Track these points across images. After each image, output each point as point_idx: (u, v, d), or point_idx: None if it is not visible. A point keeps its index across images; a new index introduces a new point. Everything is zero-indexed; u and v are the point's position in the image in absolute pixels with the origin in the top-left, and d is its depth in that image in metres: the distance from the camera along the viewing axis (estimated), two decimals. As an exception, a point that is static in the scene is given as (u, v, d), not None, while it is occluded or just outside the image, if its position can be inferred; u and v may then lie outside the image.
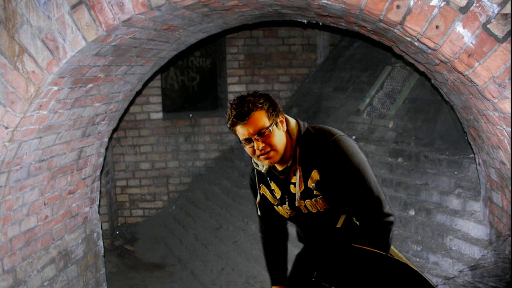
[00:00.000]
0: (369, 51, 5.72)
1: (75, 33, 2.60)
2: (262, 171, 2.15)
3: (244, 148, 2.02)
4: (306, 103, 6.27)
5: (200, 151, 6.88)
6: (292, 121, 2.10)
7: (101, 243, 4.23)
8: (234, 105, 2.00)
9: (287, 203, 2.13)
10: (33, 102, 2.71)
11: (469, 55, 2.16)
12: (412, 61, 2.94)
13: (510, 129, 2.29)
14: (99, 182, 4.19)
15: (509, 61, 2.10)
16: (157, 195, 6.82)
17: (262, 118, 1.97)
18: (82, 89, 3.10)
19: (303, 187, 2.04)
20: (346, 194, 1.99)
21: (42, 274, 3.38)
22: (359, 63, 5.90)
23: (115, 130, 4.50)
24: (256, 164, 2.17)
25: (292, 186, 2.08)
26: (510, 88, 2.14)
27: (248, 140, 1.98)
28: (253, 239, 4.88)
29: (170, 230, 6.30)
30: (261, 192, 2.22)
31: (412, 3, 2.18)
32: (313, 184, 2.01)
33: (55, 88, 2.79)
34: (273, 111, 2.01)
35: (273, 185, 2.16)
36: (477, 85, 2.24)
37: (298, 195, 2.06)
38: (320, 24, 3.31)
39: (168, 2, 2.51)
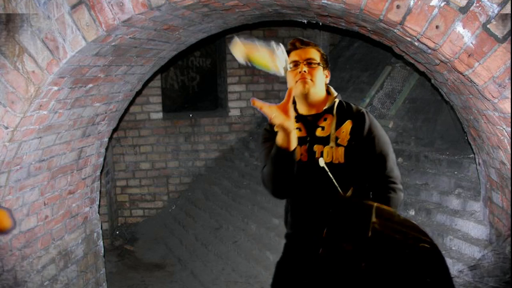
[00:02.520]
0: (369, 51, 5.72)
1: (75, 33, 2.60)
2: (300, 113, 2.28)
3: (288, 74, 2.22)
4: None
5: (200, 151, 6.88)
6: (330, 87, 2.34)
7: (101, 243, 4.23)
8: (297, 37, 2.33)
9: (307, 144, 2.19)
10: (33, 102, 2.71)
11: (469, 55, 2.16)
12: (412, 61, 2.94)
13: (510, 129, 2.29)
14: (99, 182, 4.19)
15: (509, 61, 2.10)
16: (157, 195, 6.82)
17: (316, 54, 2.25)
18: (82, 89, 3.10)
19: (329, 132, 2.19)
20: (370, 152, 2.18)
21: (42, 274, 3.38)
22: (359, 63, 5.90)
23: (115, 130, 4.50)
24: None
25: (319, 129, 2.21)
26: (510, 88, 2.14)
27: (296, 64, 2.21)
28: (253, 239, 4.88)
29: (170, 230, 6.30)
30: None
31: (412, 3, 2.18)
32: (342, 132, 2.17)
33: (55, 88, 2.79)
34: (325, 60, 2.28)
35: (298, 125, 2.22)
36: (477, 85, 2.24)
37: (320, 136, 2.19)
38: (320, 24, 3.31)
39: (168, 2, 2.51)
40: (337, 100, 2.25)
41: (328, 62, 2.31)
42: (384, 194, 2.14)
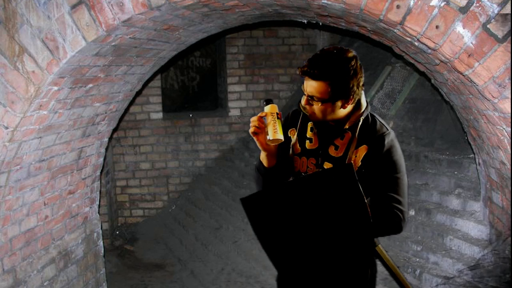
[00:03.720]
0: (369, 51, 5.72)
1: (75, 33, 2.60)
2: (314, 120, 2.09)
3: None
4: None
5: (200, 151, 6.87)
6: (362, 94, 2.04)
7: (101, 243, 4.23)
8: (314, 57, 1.93)
9: (318, 158, 2.07)
10: (33, 102, 2.71)
11: (469, 55, 2.16)
12: (412, 61, 2.94)
13: (510, 129, 2.29)
14: (99, 182, 4.19)
15: (509, 61, 2.10)
16: (157, 195, 6.82)
17: (321, 89, 1.91)
18: (82, 89, 3.10)
19: (342, 153, 2.02)
20: (378, 179, 1.98)
21: (42, 274, 3.38)
22: (359, 63, 5.89)
23: (115, 130, 4.50)
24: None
25: (332, 147, 2.04)
26: (510, 88, 2.14)
27: (303, 91, 1.99)
28: (253, 239, 4.87)
29: (170, 230, 6.30)
30: (289, 135, 2.16)
31: (412, 3, 2.18)
32: (356, 156, 1.99)
33: (55, 88, 2.79)
34: (342, 88, 1.92)
35: (311, 134, 2.11)
36: (477, 85, 2.24)
37: (333, 155, 2.03)
38: (320, 24, 3.31)
39: (168, 2, 2.51)
40: (362, 119, 2.02)
41: (349, 81, 1.91)
42: (383, 212, 1.96)
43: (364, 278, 2.08)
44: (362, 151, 1.99)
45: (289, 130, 2.17)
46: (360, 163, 1.98)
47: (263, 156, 2.06)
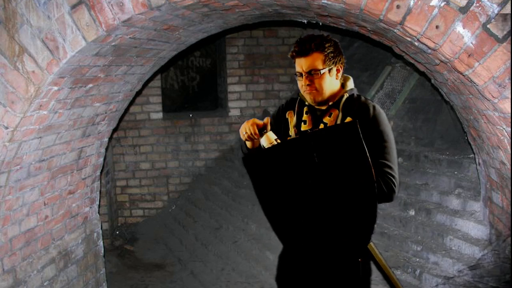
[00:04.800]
0: (369, 51, 5.72)
1: (75, 33, 2.60)
2: (306, 103, 2.28)
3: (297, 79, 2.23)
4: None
5: (200, 151, 6.87)
6: (350, 78, 2.29)
7: (101, 243, 4.23)
8: (301, 39, 2.18)
9: None
10: (33, 102, 2.71)
11: (469, 55, 2.16)
12: (412, 61, 2.94)
13: (510, 129, 2.29)
14: (99, 182, 4.19)
15: (509, 61, 2.10)
16: (157, 195, 6.82)
17: (318, 60, 2.14)
18: (82, 89, 3.10)
19: None
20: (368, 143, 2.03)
21: (42, 274, 3.38)
22: (359, 63, 5.89)
23: (115, 130, 4.50)
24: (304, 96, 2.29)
25: (322, 125, 2.20)
26: (510, 88, 2.14)
27: (300, 74, 2.18)
28: (253, 239, 4.88)
29: (170, 230, 6.30)
30: (287, 117, 2.33)
31: (412, 3, 2.18)
32: None
33: (55, 88, 2.79)
34: (333, 58, 2.17)
35: (305, 117, 2.26)
36: (477, 85, 2.24)
37: None
38: (320, 24, 3.31)
39: (168, 2, 2.51)
40: (346, 95, 2.20)
41: (337, 54, 2.19)
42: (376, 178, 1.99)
43: (356, 272, 2.06)
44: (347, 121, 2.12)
45: (287, 112, 2.33)
46: None
47: (248, 144, 2.20)
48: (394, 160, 2.10)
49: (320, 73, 2.14)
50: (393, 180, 2.05)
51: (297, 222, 2.01)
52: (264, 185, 2.04)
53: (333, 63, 2.18)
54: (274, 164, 1.98)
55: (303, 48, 2.15)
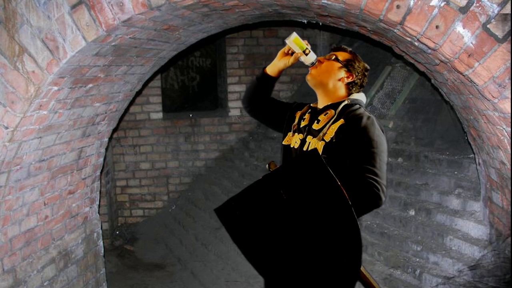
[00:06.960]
0: (369, 51, 5.71)
1: (75, 33, 2.60)
2: (313, 106, 2.43)
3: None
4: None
5: (200, 151, 6.87)
6: (363, 94, 2.40)
7: (101, 243, 4.23)
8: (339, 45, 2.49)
9: (304, 133, 2.31)
10: (33, 102, 2.71)
11: (469, 55, 2.16)
12: (412, 61, 2.94)
13: (510, 129, 2.29)
14: (99, 182, 4.19)
15: (509, 61, 2.10)
16: (157, 195, 6.82)
17: (343, 55, 2.37)
18: (82, 89, 3.10)
19: (321, 126, 2.25)
20: (353, 152, 2.08)
21: (42, 274, 3.38)
22: (359, 63, 5.89)
23: (115, 130, 4.50)
24: (316, 103, 2.44)
25: (315, 123, 2.29)
26: (510, 88, 2.14)
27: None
28: (253, 239, 4.87)
29: (170, 230, 6.30)
30: (294, 115, 2.48)
31: (412, 3, 2.18)
32: (331, 128, 2.19)
33: (55, 88, 2.79)
34: (350, 64, 2.35)
35: (306, 115, 2.40)
36: (477, 85, 2.24)
37: (314, 128, 2.27)
38: (320, 24, 3.31)
39: (168, 2, 2.51)
40: (347, 101, 2.28)
41: (353, 68, 2.34)
42: (356, 183, 1.97)
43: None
44: (338, 123, 2.18)
45: (296, 112, 2.48)
46: (333, 134, 2.15)
47: (274, 66, 2.52)
48: (380, 167, 2.03)
49: (336, 60, 2.33)
50: (376, 184, 1.97)
51: (280, 264, 1.97)
52: (240, 233, 2.02)
53: (349, 67, 2.33)
54: (246, 210, 1.96)
55: (339, 47, 2.41)
